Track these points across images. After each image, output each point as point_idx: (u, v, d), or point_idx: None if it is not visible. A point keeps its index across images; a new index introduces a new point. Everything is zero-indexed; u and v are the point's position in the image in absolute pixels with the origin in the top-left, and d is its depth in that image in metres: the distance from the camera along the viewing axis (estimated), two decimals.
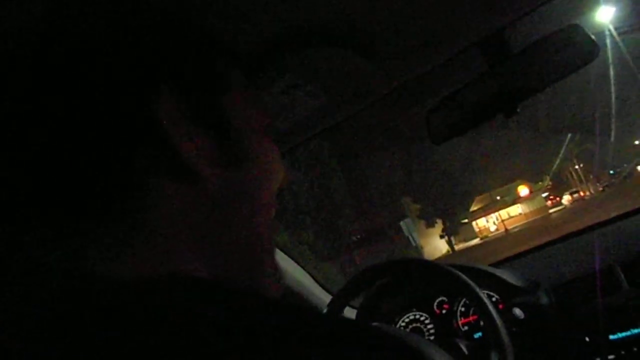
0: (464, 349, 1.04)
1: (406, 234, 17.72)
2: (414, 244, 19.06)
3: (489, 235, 39.01)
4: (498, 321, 0.92)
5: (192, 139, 0.39)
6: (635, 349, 0.99)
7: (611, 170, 40.17)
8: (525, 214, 41.58)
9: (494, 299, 1.25)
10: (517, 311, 1.09)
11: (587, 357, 1.03)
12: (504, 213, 43.17)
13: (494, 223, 42.12)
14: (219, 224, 0.41)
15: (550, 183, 44.58)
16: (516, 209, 43.33)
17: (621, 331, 1.01)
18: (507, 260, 1.49)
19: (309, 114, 0.88)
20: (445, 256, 29.77)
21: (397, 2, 0.66)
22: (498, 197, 44.47)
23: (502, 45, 0.80)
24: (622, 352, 1.00)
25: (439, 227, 33.75)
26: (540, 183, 44.82)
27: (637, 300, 1.04)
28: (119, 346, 0.27)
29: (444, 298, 1.38)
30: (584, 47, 0.78)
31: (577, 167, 39.49)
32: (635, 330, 1.00)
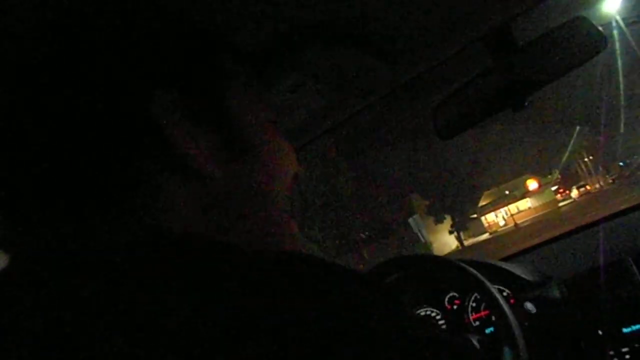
0: (476, 344, 1.04)
1: (415, 230, 17.67)
2: (423, 240, 19.00)
3: (499, 229, 38.81)
4: (510, 316, 0.92)
5: (194, 137, 0.39)
6: None
7: (621, 162, 39.75)
8: (534, 208, 41.34)
9: (505, 294, 1.25)
10: (529, 305, 1.09)
11: (600, 351, 1.03)
12: (513, 207, 42.94)
13: (503, 218, 41.88)
14: (228, 219, 0.41)
15: (559, 176, 44.25)
16: (525, 203, 43.09)
17: (634, 324, 1.00)
18: (518, 254, 1.49)
19: (315, 112, 0.88)
20: (455, 252, 29.67)
21: None
22: (507, 192, 44.22)
23: (508, 39, 0.80)
24: (636, 345, 1.00)
25: (447, 222, 33.64)
26: (549, 176, 44.49)
27: None
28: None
29: (455, 293, 1.38)
30: (590, 39, 0.78)
31: (586, 159, 39.14)
32: None
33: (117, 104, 0.37)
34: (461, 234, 33.94)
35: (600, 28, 0.78)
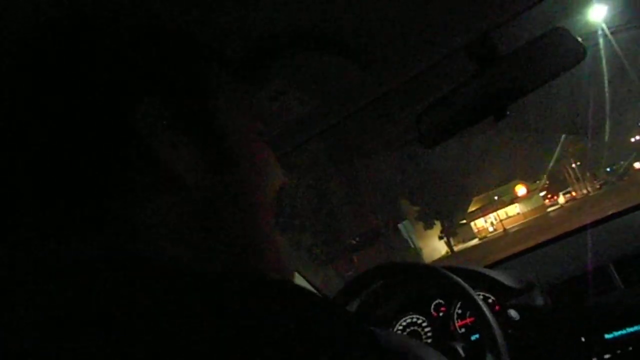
0: (461, 351, 1.04)
1: (405, 236, 17.75)
2: (412, 246, 19.06)
3: (488, 235, 39.04)
4: (493, 323, 0.92)
5: (176, 147, 0.39)
6: (630, 348, 0.99)
7: (607, 168, 40.29)
8: (523, 214, 41.66)
9: (490, 301, 1.25)
10: (513, 312, 1.09)
11: (583, 357, 1.03)
12: (502, 213, 43.24)
13: (492, 224, 42.17)
14: (211, 229, 0.41)
15: (547, 182, 44.69)
16: (514, 209, 43.42)
17: (616, 330, 1.01)
18: (504, 260, 1.50)
19: (300, 118, 0.88)
20: (445, 257, 29.76)
21: (386, 7, 0.67)
22: (496, 197, 44.55)
23: (490, 49, 0.81)
24: (618, 352, 1.01)
25: (437, 228, 33.74)
26: (537, 182, 44.91)
27: (631, 299, 1.04)
28: None
29: (441, 301, 1.38)
30: (570, 50, 0.79)
31: (573, 165, 39.60)
32: (631, 329, 1.00)
33: (98, 113, 0.37)
34: (451, 239, 34.08)
35: (580, 39, 0.79)
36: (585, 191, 36.86)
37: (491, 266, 1.48)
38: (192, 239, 0.39)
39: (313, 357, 0.28)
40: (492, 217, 43.27)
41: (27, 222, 0.37)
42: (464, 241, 38.96)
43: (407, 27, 0.73)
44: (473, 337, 1.29)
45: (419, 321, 1.40)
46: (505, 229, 34.49)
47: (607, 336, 1.02)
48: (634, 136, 40.39)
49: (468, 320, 1.32)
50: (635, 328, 0.99)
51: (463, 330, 1.32)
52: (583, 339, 1.04)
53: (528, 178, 44.83)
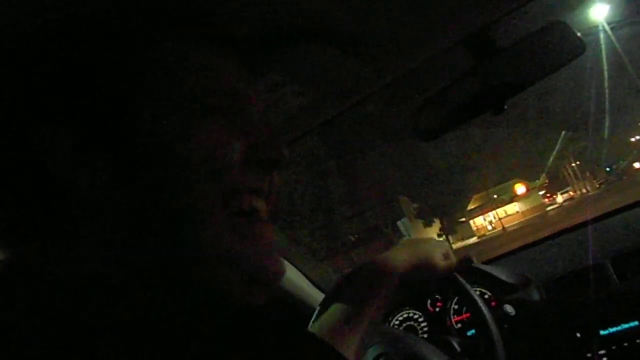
0: (457, 347, 1.04)
1: (404, 233, 17.72)
2: None
3: (487, 233, 39.06)
4: (488, 318, 0.92)
5: (84, 166, 0.39)
6: (625, 344, 0.99)
7: (607, 167, 40.26)
8: (522, 212, 41.65)
9: (486, 296, 1.26)
10: (508, 308, 1.09)
11: (578, 353, 1.03)
12: (501, 211, 43.22)
13: (491, 222, 42.18)
14: (140, 235, 0.40)
15: (546, 181, 44.68)
16: (513, 207, 43.40)
17: (612, 326, 1.01)
18: (501, 257, 1.50)
19: (296, 111, 0.88)
20: None
21: (384, 0, 0.67)
22: (495, 196, 44.52)
23: (488, 43, 0.80)
24: (613, 348, 1.00)
25: (436, 226, 33.79)
26: (537, 181, 44.90)
27: (626, 295, 1.05)
28: None
29: (438, 296, 1.38)
30: (569, 44, 0.78)
31: (573, 164, 39.58)
32: (626, 325, 1.00)
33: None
34: (450, 237, 34.11)
35: (578, 34, 0.79)
36: (584, 190, 36.87)
37: (488, 262, 1.48)
38: (124, 248, 0.40)
39: None
40: (491, 215, 43.25)
41: None
42: (462, 239, 39.00)
43: (406, 20, 0.72)
44: (469, 333, 1.29)
45: (415, 316, 1.40)
46: (504, 228, 34.52)
47: (602, 332, 1.02)
48: (633, 136, 40.36)
49: (464, 315, 1.32)
50: (631, 324, 0.99)
51: (459, 325, 1.32)
52: (578, 335, 1.04)
53: (528, 176, 44.82)
